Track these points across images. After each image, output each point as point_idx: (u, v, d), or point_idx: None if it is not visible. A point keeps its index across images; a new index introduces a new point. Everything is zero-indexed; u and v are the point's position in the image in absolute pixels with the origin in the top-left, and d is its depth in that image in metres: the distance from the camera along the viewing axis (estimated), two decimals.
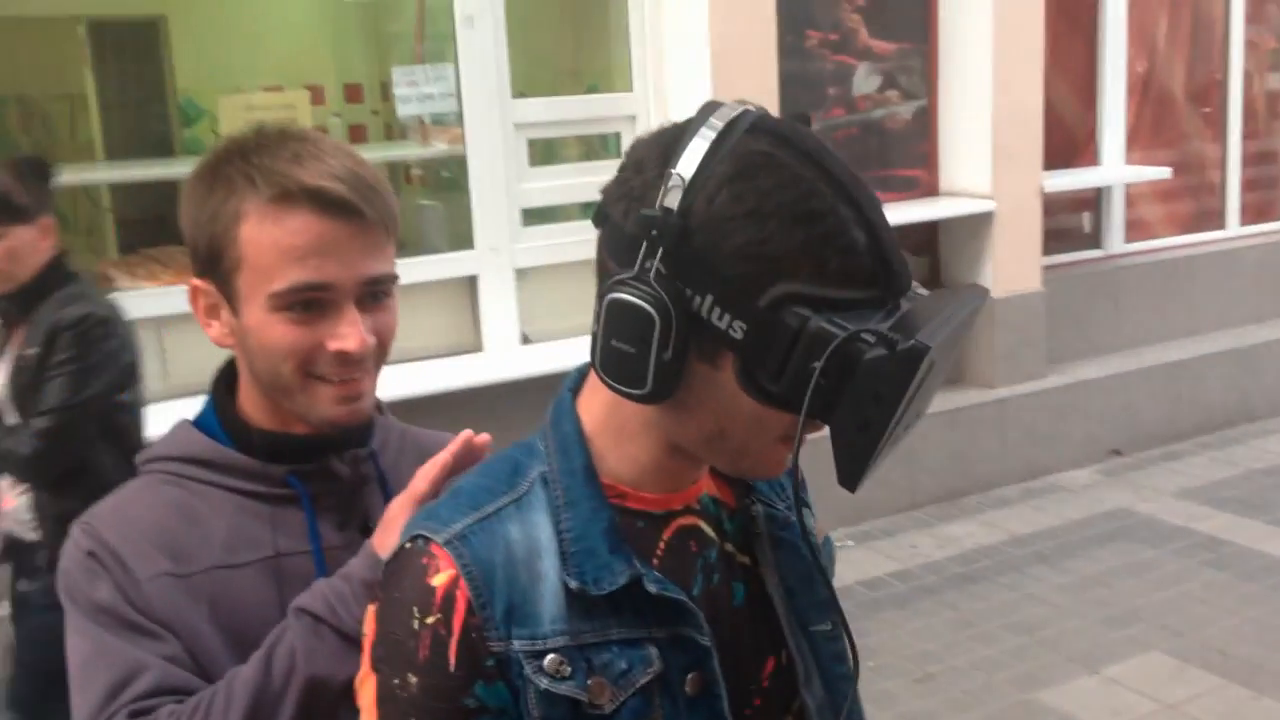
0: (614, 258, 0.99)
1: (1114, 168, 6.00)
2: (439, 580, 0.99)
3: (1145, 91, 6.19)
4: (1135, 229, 6.18)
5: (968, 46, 5.18)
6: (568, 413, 1.09)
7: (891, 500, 4.98)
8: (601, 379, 1.00)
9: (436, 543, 1.01)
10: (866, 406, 0.91)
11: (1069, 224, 6.00)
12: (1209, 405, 5.93)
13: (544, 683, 0.99)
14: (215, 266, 1.24)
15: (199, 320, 1.28)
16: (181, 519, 1.25)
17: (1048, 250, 5.53)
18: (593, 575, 1.01)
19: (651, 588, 1.02)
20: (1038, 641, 3.96)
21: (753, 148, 0.95)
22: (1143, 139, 6.18)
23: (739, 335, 0.93)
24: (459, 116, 4.37)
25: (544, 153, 4.65)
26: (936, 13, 5.24)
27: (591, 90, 4.83)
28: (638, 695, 1.03)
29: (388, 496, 1.30)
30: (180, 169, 4.45)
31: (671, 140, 0.98)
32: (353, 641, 1.14)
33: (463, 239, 4.45)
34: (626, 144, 3.87)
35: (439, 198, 4.77)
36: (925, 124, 5.32)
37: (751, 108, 0.99)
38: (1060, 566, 4.52)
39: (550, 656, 1.00)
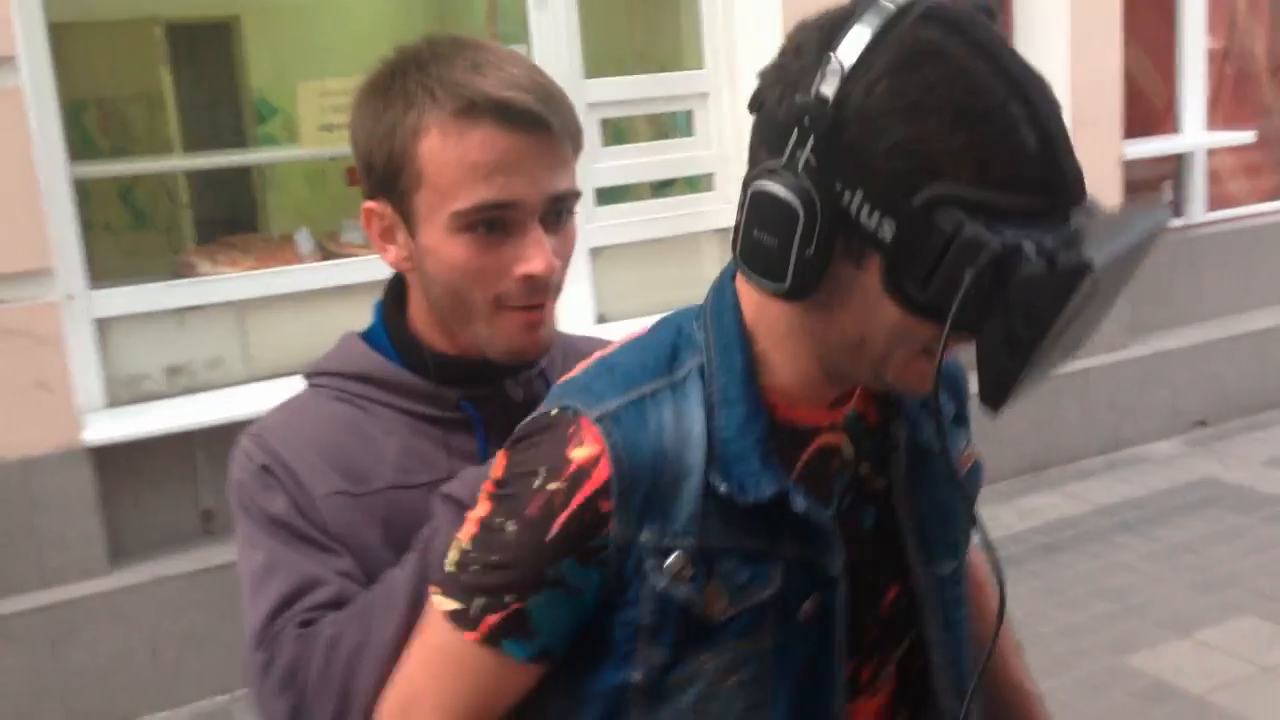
0: (765, 144, 0.94)
1: (1195, 134, 5.89)
2: (579, 454, 0.98)
3: (1225, 61, 6.07)
4: (1217, 199, 6.06)
5: (1043, 14, 5.10)
6: (730, 304, 1.04)
7: None
8: (741, 269, 0.97)
9: (587, 417, 0.99)
10: (1017, 324, 0.85)
11: (1150, 195, 5.89)
12: None
13: (661, 582, 0.99)
14: (392, 185, 1.18)
15: (375, 245, 1.24)
16: (354, 437, 1.22)
17: None
18: (740, 482, 0.99)
19: (798, 506, 1.00)
20: (1126, 608, 3.90)
21: (921, 35, 0.88)
22: (1224, 109, 6.06)
23: (888, 236, 0.88)
24: None
25: (616, 133, 4.66)
26: None
27: (663, 69, 4.82)
28: (749, 611, 1.01)
29: None
30: (253, 157, 4.52)
31: (836, 23, 0.92)
32: None
33: None
34: (698, 122, 3.95)
35: None
36: None
37: None
38: (1147, 535, 4.44)
39: (676, 555, 0.98)
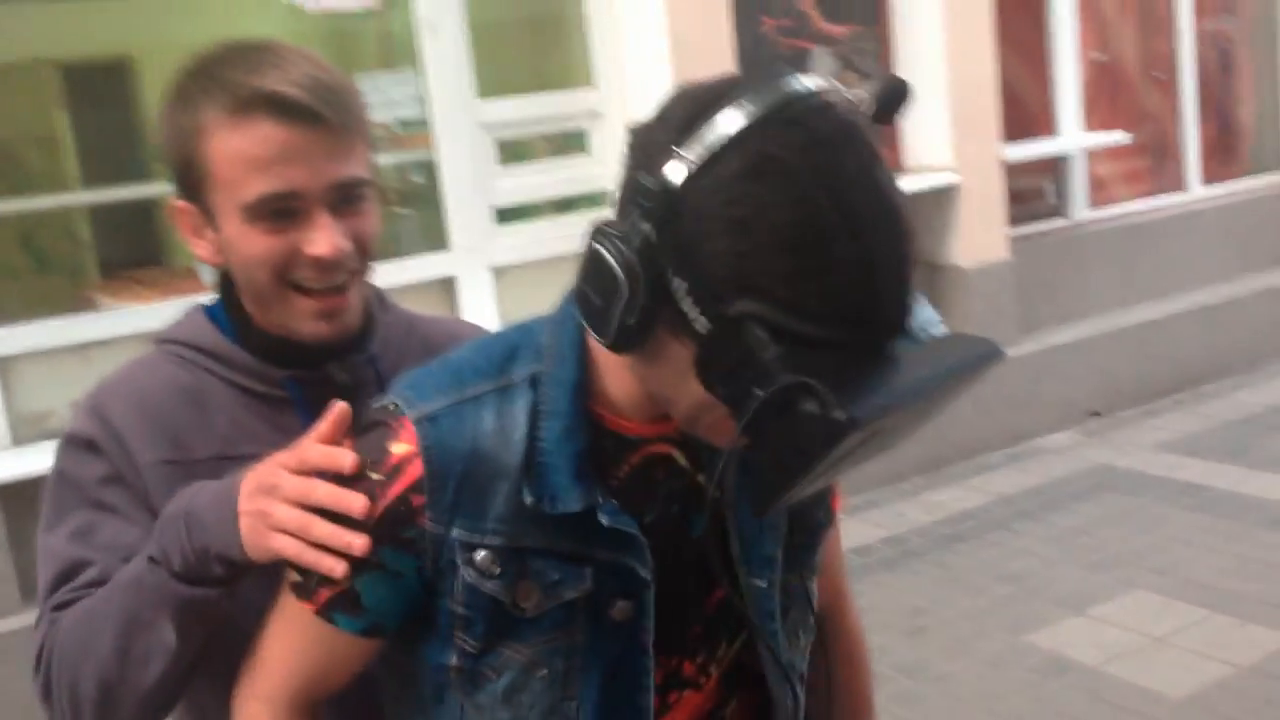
0: (619, 200, 0.96)
1: (1072, 135, 6.10)
2: (398, 450, 1.05)
3: (1101, 68, 6.29)
4: (1099, 198, 6.28)
5: (919, 24, 5.28)
6: (573, 318, 1.05)
7: (877, 473, 5.04)
8: (576, 309, 1.00)
9: (408, 417, 1.05)
10: (786, 452, 0.88)
11: (1034, 196, 6.09)
12: (1181, 362, 6.03)
13: (470, 576, 1.05)
14: (190, 185, 1.25)
15: (188, 241, 1.30)
16: (188, 405, 1.29)
17: (1014, 222, 5.63)
18: (550, 493, 1.04)
19: (604, 520, 1.05)
20: (1025, 590, 4.04)
21: (774, 146, 0.88)
22: (1100, 110, 6.28)
23: (701, 330, 0.91)
24: (426, 122, 4.46)
25: (513, 152, 4.74)
26: None
27: (556, 88, 4.91)
28: (562, 608, 1.07)
29: None
30: (153, 190, 4.54)
31: (708, 103, 0.91)
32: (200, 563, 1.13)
33: (438, 241, 4.52)
34: (594, 140, 4.03)
35: (412, 203, 4.84)
36: None
37: (828, 90, 0.92)
38: (1045, 521, 4.60)
39: (483, 553, 1.04)
